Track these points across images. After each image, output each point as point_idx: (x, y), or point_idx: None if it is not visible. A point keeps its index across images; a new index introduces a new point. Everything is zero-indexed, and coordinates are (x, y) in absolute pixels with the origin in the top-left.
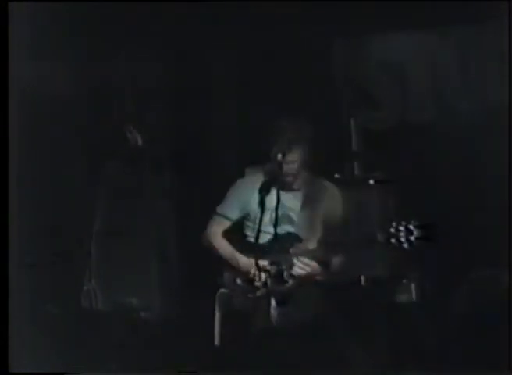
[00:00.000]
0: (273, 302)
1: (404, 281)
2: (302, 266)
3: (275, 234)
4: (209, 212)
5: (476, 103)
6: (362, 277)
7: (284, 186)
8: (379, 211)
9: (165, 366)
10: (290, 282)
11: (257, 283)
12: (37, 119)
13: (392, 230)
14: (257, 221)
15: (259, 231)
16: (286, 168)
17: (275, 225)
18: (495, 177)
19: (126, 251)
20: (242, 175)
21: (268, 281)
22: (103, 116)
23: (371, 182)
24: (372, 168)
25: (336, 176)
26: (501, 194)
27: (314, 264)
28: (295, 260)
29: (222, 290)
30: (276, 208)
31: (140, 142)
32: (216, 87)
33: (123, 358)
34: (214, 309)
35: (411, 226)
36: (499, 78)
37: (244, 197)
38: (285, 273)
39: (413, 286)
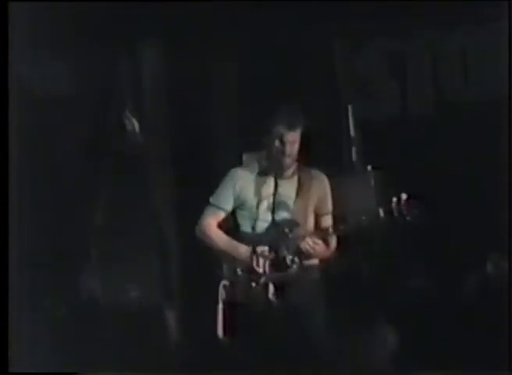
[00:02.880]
0: (272, 288)
1: (405, 280)
2: (311, 244)
3: (273, 221)
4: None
5: (476, 103)
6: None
7: (281, 169)
8: (377, 197)
9: (165, 366)
10: (294, 267)
11: (260, 270)
12: (37, 119)
13: (393, 204)
14: (254, 209)
15: (257, 220)
16: (288, 149)
17: (273, 212)
18: (494, 172)
19: (127, 250)
20: (240, 162)
21: (269, 268)
22: (103, 115)
23: (369, 168)
24: (370, 155)
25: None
26: (500, 189)
27: (321, 243)
28: (307, 239)
29: (224, 281)
30: (274, 195)
31: (137, 129)
32: (216, 87)
33: (123, 358)
34: (217, 302)
35: (412, 199)
36: (499, 77)
37: (239, 186)
38: (288, 258)
39: (413, 285)
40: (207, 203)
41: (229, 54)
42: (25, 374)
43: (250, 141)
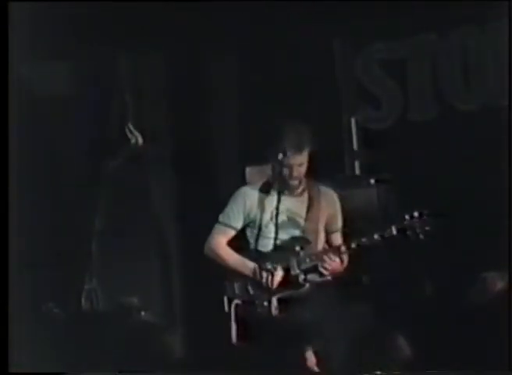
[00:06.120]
0: (275, 304)
1: (405, 281)
2: (329, 262)
3: (283, 239)
4: (209, 211)
5: (476, 103)
6: (364, 277)
7: (289, 189)
8: (380, 211)
9: (165, 366)
10: (307, 285)
11: (270, 288)
12: (37, 119)
13: (406, 222)
14: (264, 227)
15: (267, 237)
16: (295, 171)
17: (277, 230)
18: (494, 177)
19: (127, 250)
20: (242, 175)
21: (277, 286)
22: (103, 115)
23: (372, 182)
24: (373, 167)
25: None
26: (501, 194)
27: (338, 260)
28: (324, 257)
29: (237, 301)
30: (283, 213)
31: (140, 142)
32: (216, 87)
33: (123, 358)
34: (229, 321)
35: (425, 217)
36: (499, 78)
37: (249, 205)
38: (300, 277)
39: (414, 286)
40: (215, 221)
41: (229, 54)
42: (25, 374)
43: (250, 142)
